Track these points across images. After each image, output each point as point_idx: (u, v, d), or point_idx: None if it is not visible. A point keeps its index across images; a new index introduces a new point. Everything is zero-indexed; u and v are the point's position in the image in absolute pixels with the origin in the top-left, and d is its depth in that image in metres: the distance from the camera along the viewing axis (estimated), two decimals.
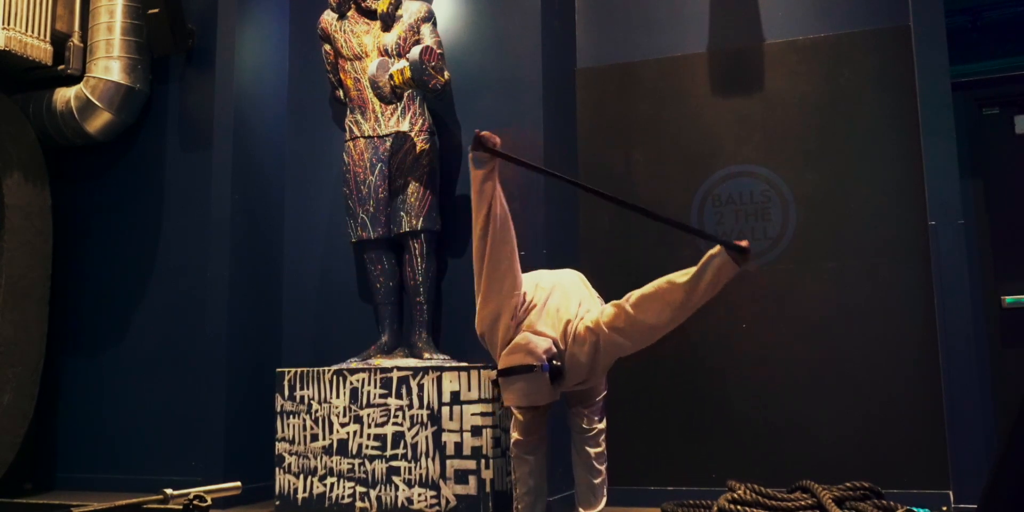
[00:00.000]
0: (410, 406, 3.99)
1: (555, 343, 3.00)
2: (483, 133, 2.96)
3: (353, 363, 4.22)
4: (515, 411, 3.22)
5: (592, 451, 3.30)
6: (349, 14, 4.60)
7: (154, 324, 5.17)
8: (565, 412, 3.41)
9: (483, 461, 3.84)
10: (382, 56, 4.42)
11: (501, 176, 3.05)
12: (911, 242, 4.08)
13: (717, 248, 2.92)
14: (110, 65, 5.14)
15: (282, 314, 4.94)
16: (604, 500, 3.35)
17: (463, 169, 4.60)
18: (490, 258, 3.02)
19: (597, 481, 3.32)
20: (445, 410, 3.93)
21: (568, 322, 3.06)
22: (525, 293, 3.13)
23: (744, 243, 2.89)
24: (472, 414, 3.86)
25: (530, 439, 3.25)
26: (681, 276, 2.93)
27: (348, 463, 4.07)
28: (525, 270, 3.38)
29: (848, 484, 3.45)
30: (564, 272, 3.43)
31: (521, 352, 2.92)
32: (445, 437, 3.91)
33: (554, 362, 2.94)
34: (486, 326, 3.11)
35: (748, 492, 3.42)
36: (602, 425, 3.34)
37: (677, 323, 3.00)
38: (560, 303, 3.11)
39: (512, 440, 3.29)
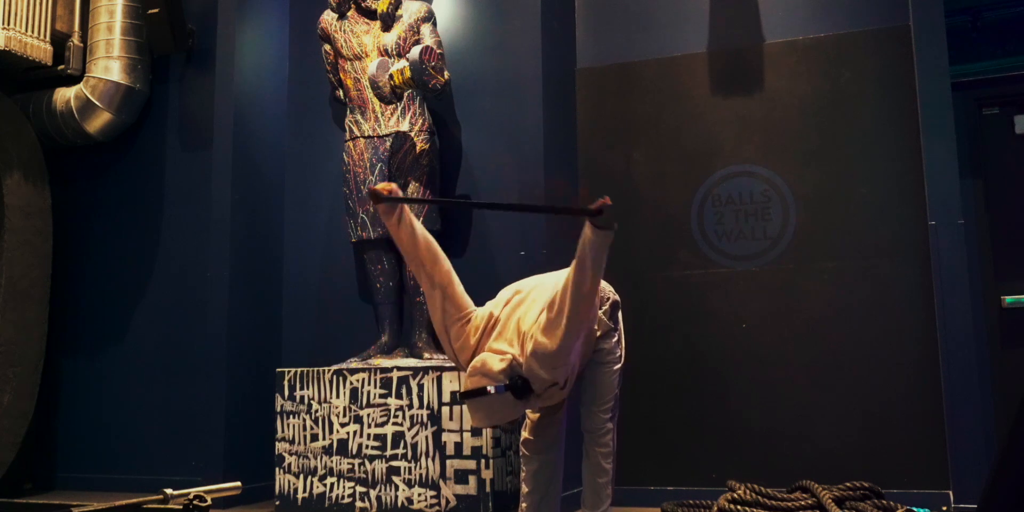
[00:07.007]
0: (410, 406, 3.99)
1: (515, 358, 2.92)
2: (374, 187, 2.91)
3: (353, 363, 4.23)
4: (527, 412, 3.20)
5: (599, 450, 3.29)
6: (349, 14, 4.60)
7: (154, 324, 5.16)
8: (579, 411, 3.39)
9: (483, 461, 3.84)
10: (382, 56, 4.42)
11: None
12: (911, 242, 4.08)
13: (587, 225, 2.74)
14: (110, 65, 5.14)
15: (282, 314, 4.94)
16: (609, 501, 3.35)
17: (463, 169, 4.61)
18: (429, 305, 3.05)
19: (603, 481, 3.30)
20: (445, 410, 3.93)
21: (524, 334, 2.95)
22: (492, 313, 3.07)
23: (596, 205, 2.65)
24: None
25: (539, 439, 3.24)
26: (572, 265, 2.82)
27: (348, 463, 4.07)
28: (524, 275, 3.35)
29: (848, 484, 3.45)
30: (555, 275, 3.30)
31: (477, 375, 2.86)
32: (445, 437, 3.91)
33: (515, 379, 2.86)
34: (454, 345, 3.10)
35: (748, 492, 3.42)
36: (611, 424, 3.33)
37: (586, 313, 2.87)
38: (522, 315, 3.02)
39: (521, 438, 3.28)
